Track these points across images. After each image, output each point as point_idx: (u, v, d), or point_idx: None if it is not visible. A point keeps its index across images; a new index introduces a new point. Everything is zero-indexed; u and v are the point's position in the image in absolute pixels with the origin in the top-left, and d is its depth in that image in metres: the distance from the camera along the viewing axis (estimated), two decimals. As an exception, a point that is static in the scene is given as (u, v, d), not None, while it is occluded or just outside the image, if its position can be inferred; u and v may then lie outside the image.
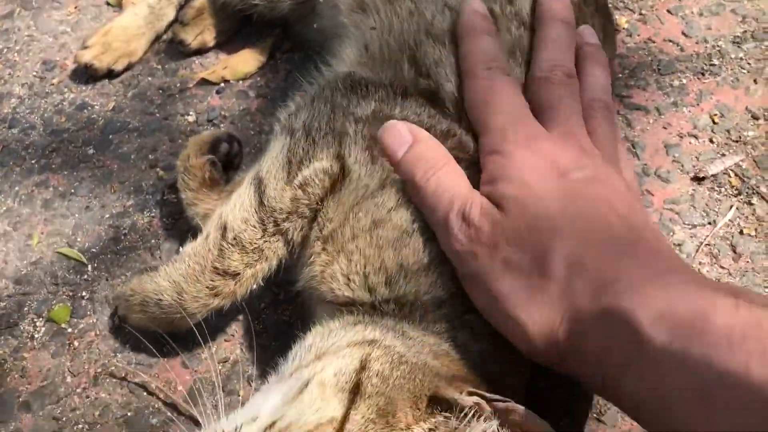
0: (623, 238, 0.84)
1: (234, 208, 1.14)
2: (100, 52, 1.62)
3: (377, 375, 0.86)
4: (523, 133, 0.95)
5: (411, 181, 0.96)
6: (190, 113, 1.59)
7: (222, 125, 1.56)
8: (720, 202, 1.31)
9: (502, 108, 0.97)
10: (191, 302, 1.12)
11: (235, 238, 1.10)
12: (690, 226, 1.28)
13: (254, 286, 1.14)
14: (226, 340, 1.24)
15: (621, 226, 0.85)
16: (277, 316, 1.26)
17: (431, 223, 0.96)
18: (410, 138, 0.97)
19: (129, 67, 1.66)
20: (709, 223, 1.28)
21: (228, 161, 1.38)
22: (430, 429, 0.83)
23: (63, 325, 1.28)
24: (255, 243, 1.10)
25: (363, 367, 0.87)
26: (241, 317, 1.26)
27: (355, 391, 0.85)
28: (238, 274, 1.11)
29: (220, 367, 1.21)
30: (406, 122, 1.02)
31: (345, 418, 0.82)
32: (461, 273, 0.91)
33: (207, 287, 1.11)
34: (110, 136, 1.57)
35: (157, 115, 1.60)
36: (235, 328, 1.25)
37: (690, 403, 0.70)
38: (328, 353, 0.92)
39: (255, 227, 1.10)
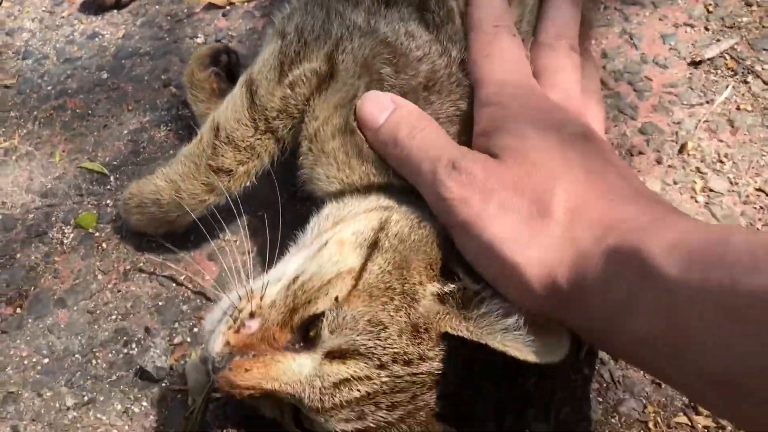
0: (621, 188, 0.82)
1: (226, 110, 1.18)
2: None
3: (395, 235, 0.91)
4: (522, 88, 0.94)
5: (394, 140, 0.94)
6: (199, 36, 1.63)
7: (230, 45, 1.60)
8: (717, 83, 1.35)
9: (503, 64, 0.96)
10: (189, 199, 1.17)
11: (227, 137, 1.15)
12: (688, 106, 1.33)
13: (248, 183, 1.18)
14: (249, 235, 1.28)
15: (617, 178, 0.83)
16: (296, 212, 1.31)
17: (416, 180, 0.94)
18: (392, 105, 0.96)
19: (135, -2, 1.70)
20: (707, 102, 1.33)
21: (230, 72, 1.42)
22: (439, 290, 0.88)
23: (90, 230, 1.33)
24: (247, 141, 1.15)
25: (381, 227, 0.92)
26: (261, 213, 1.31)
27: (373, 247, 0.90)
28: (231, 171, 1.16)
29: (244, 258, 1.26)
30: (388, 93, 1.02)
31: (363, 268, 0.88)
32: (451, 224, 0.87)
33: (203, 183, 1.16)
34: (122, 61, 1.61)
35: (167, 39, 1.64)
36: (257, 224, 1.29)
37: (713, 329, 0.64)
38: (346, 219, 0.97)
39: (247, 126, 1.14)
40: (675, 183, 1.24)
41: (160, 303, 1.22)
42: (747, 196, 1.21)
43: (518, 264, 0.79)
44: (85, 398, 1.12)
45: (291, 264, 0.96)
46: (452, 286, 0.88)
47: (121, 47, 1.63)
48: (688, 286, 0.65)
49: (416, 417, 0.89)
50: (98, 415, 1.11)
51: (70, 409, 1.11)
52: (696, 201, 1.22)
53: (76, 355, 1.17)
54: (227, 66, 1.41)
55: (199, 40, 1.62)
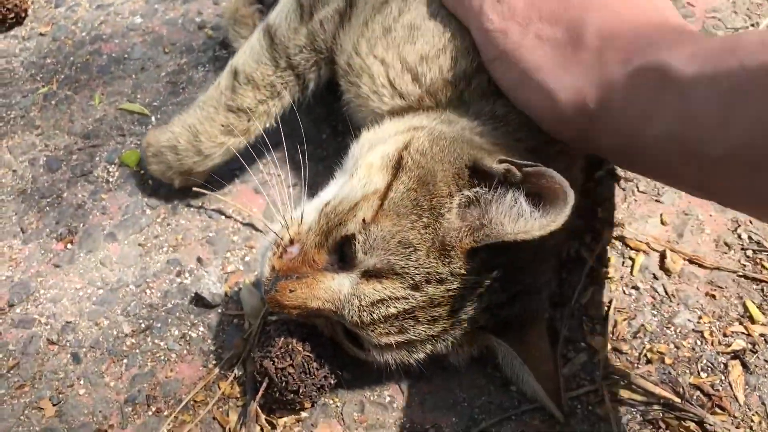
0: (652, 16, 0.85)
1: (244, 54, 1.20)
2: None
3: (417, 150, 0.91)
4: None
5: None
6: (230, -22, 1.62)
7: (263, -14, 1.59)
8: (761, 6, 1.34)
9: None
10: (207, 142, 1.19)
11: (247, 77, 1.17)
12: (733, 29, 1.32)
13: (267, 125, 1.19)
14: (293, 168, 1.29)
15: (651, 8, 0.87)
16: (338, 144, 1.31)
17: (466, 16, 0.97)
18: None
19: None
20: (752, 25, 1.31)
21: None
22: (469, 197, 0.87)
23: (135, 169, 1.33)
24: (267, 78, 1.17)
25: (406, 146, 0.92)
26: (304, 148, 1.31)
27: (397, 167, 0.90)
28: (251, 109, 1.17)
29: (290, 191, 1.26)
30: None
31: (388, 188, 0.89)
32: (492, 56, 0.92)
33: (222, 125, 1.18)
34: (155, 6, 1.61)
35: (199, -18, 1.63)
36: (300, 158, 1.29)
37: (720, 110, 0.70)
38: (378, 143, 0.98)
39: (267, 64, 1.16)
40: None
41: (211, 234, 1.23)
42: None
43: (552, 90, 0.84)
44: (142, 325, 1.14)
45: (328, 191, 0.98)
46: (473, 190, 0.87)
47: (153, -8, 1.63)
48: (701, 81, 0.71)
49: (460, 328, 0.90)
50: (156, 341, 1.12)
51: (128, 336, 1.13)
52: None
53: (130, 286, 1.18)
54: (271, 3, 1.42)
55: (230, -17, 1.61)
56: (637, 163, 0.90)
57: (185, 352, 1.10)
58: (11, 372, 1.10)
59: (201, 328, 1.12)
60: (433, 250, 0.85)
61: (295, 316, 0.92)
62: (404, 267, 0.84)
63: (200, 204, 1.27)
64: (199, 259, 1.19)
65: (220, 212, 1.25)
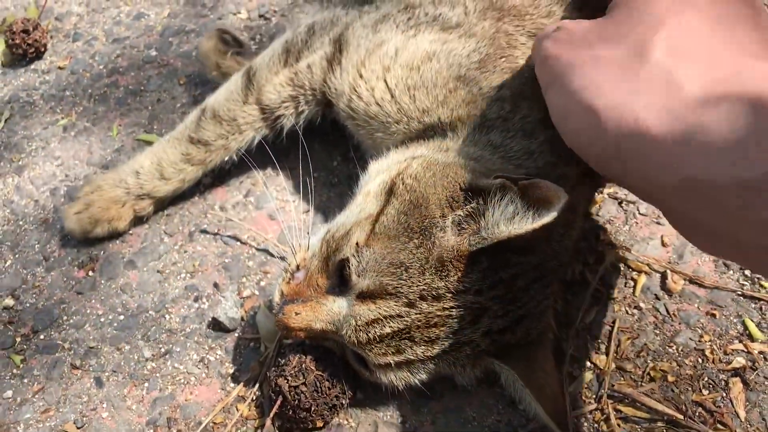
0: (748, 39, 0.75)
1: (219, 93, 1.31)
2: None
3: (410, 176, 0.95)
4: None
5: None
6: (242, 11, 1.69)
7: (273, 18, 1.65)
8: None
9: None
10: (168, 168, 1.28)
11: (213, 112, 1.27)
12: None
13: (226, 158, 1.29)
14: (305, 195, 1.34)
15: (747, 28, 0.76)
16: (349, 170, 1.36)
17: (534, 55, 0.93)
18: None
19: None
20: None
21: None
22: (465, 214, 0.91)
23: (153, 197, 1.38)
24: (231, 112, 1.26)
25: (399, 174, 0.97)
26: (316, 174, 1.36)
27: (390, 193, 0.95)
28: (209, 144, 1.27)
29: (303, 217, 1.31)
30: None
31: (380, 213, 0.93)
32: (544, 84, 0.86)
33: (182, 153, 1.27)
34: (169, 39, 1.66)
35: (211, 16, 1.69)
36: (312, 184, 1.35)
37: None
38: (381, 172, 1.03)
39: (236, 100, 1.26)
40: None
41: (227, 260, 1.27)
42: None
43: (596, 108, 0.74)
44: (162, 350, 1.18)
45: (334, 219, 1.04)
46: (469, 207, 0.91)
47: (167, 26, 1.69)
48: None
49: (460, 352, 0.93)
50: (176, 365, 1.16)
51: (149, 360, 1.17)
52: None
53: (150, 312, 1.23)
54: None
55: (242, 15, 1.67)
56: (684, 218, 0.77)
57: (204, 375, 1.14)
58: (36, 396, 1.14)
59: (219, 352, 1.17)
60: (429, 267, 0.88)
61: (304, 338, 0.98)
62: (396, 287, 0.88)
63: (216, 231, 1.31)
64: (215, 285, 1.24)
65: (236, 238, 1.30)
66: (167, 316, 1.22)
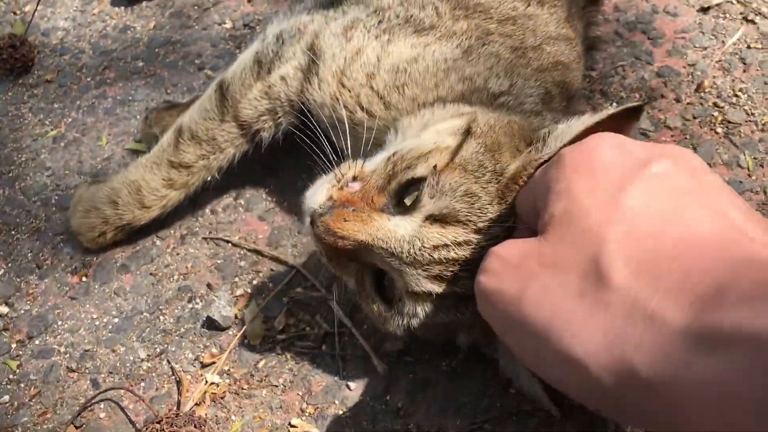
0: (709, 232, 0.62)
1: (192, 111, 1.29)
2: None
3: (484, 123, 0.96)
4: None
5: None
6: (227, 21, 1.72)
7: (257, 27, 1.68)
8: (726, 26, 1.43)
9: None
10: (149, 195, 1.27)
11: (191, 133, 1.26)
12: (701, 48, 1.41)
13: (209, 178, 1.28)
14: (294, 196, 1.36)
15: (705, 216, 0.63)
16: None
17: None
18: None
19: (164, -12, 1.79)
20: (720, 44, 1.41)
21: None
22: (525, 162, 0.90)
23: (144, 203, 1.40)
24: (210, 132, 1.25)
25: (473, 119, 0.97)
26: (305, 175, 1.38)
27: (466, 133, 0.95)
28: (191, 166, 1.26)
29: (293, 217, 1.33)
30: None
31: (458, 147, 0.93)
32: (498, 324, 0.74)
33: (163, 179, 1.26)
34: (156, 50, 1.69)
35: (196, 27, 1.72)
36: (302, 186, 1.36)
37: None
38: (434, 123, 1.02)
39: (213, 119, 1.25)
40: (694, 118, 1.32)
41: (219, 261, 1.29)
42: (764, 124, 1.29)
43: (575, 355, 0.61)
44: (157, 350, 1.19)
45: (398, 144, 1.01)
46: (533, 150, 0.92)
47: (153, 37, 1.71)
48: None
49: None
50: (172, 364, 1.17)
51: (144, 361, 1.18)
52: (716, 132, 1.30)
53: (144, 314, 1.24)
54: None
55: (227, 25, 1.70)
56: None
57: (200, 373, 1.15)
58: (33, 400, 1.15)
59: (213, 350, 1.18)
60: (496, 199, 0.88)
61: (338, 248, 0.89)
62: (467, 215, 0.87)
63: (207, 233, 1.33)
64: (209, 285, 1.25)
65: (227, 240, 1.32)
66: (161, 317, 1.23)
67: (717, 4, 1.44)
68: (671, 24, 1.45)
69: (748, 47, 1.38)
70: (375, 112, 1.11)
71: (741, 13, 1.43)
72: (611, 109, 0.83)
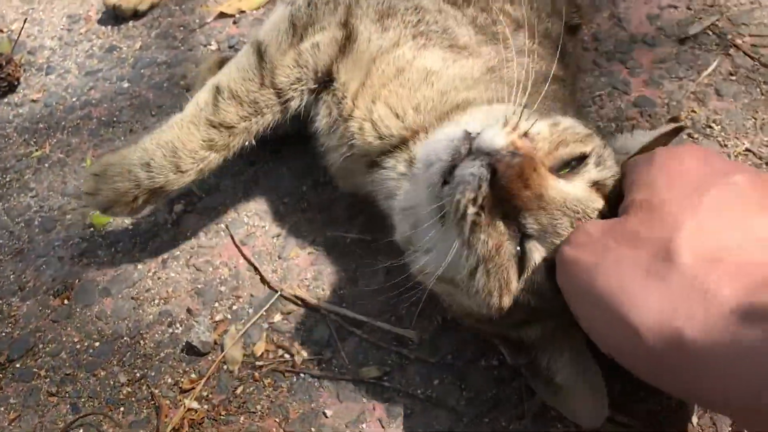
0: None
1: (230, 71, 1.22)
2: (125, -7, 1.77)
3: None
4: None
5: None
6: (212, 43, 1.73)
7: (243, 50, 1.70)
8: (702, 57, 1.46)
9: None
10: (186, 158, 1.18)
11: (231, 93, 1.19)
12: (677, 79, 1.44)
13: (247, 143, 1.22)
14: (275, 220, 1.38)
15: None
16: (318, 196, 1.40)
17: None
18: None
19: (152, 7, 1.81)
20: (696, 74, 1.44)
21: None
22: None
23: (128, 226, 1.41)
24: (252, 95, 1.18)
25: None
26: (286, 200, 1.40)
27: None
28: (233, 126, 1.18)
29: (274, 241, 1.35)
30: None
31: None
32: (568, 288, 0.83)
33: (203, 140, 1.18)
34: (141, 71, 1.71)
35: (182, 48, 1.74)
36: (283, 210, 1.39)
37: None
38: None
39: (253, 80, 1.18)
40: (669, 148, 1.34)
41: (199, 286, 1.30)
42: (736, 156, 1.31)
43: (632, 323, 0.71)
44: (137, 374, 1.21)
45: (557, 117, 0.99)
46: None
47: (139, 58, 1.73)
48: None
49: None
50: (151, 389, 1.19)
51: (124, 385, 1.20)
52: (690, 163, 1.32)
53: (125, 338, 1.26)
54: None
55: (212, 47, 1.72)
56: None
57: (178, 398, 1.17)
58: (13, 424, 1.16)
59: (192, 375, 1.19)
60: None
61: (515, 196, 0.86)
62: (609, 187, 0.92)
63: (188, 257, 1.34)
64: (189, 310, 1.27)
65: (208, 264, 1.33)
66: (142, 342, 1.24)
67: (694, 35, 1.47)
68: (649, 54, 1.47)
69: (723, 79, 1.41)
70: (404, 96, 1.11)
71: (717, 45, 1.46)
72: (663, 128, 1.00)
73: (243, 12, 1.76)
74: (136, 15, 1.79)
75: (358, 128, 1.15)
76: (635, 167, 0.86)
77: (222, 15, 1.77)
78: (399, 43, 1.15)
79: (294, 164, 1.42)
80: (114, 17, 1.80)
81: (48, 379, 1.21)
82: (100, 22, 1.83)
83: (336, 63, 1.17)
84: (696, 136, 1.35)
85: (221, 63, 1.48)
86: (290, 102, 1.20)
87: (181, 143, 1.18)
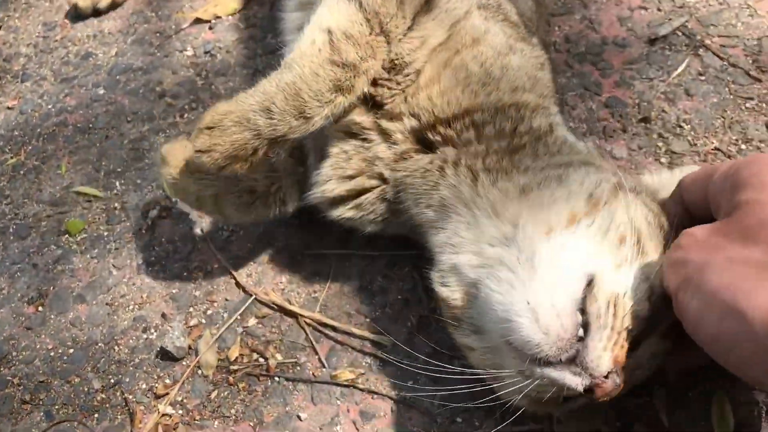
0: None
1: (332, 14, 1.10)
2: (85, -8, 1.78)
3: None
4: None
5: None
6: (188, 49, 1.74)
7: (218, 55, 1.71)
8: (672, 57, 1.48)
9: None
10: (312, 101, 1.05)
11: (345, 34, 1.09)
12: (648, 79, 1.45)
13: (365, 89, 1.11)
14: (250, 225, 1.38)
15: None
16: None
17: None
18: None
19: (114, 6, 1.82)
20: (665, 75, 1.45)
21: None
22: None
23: (103, 232, 1.42)
24: (365, 38, 1.10)
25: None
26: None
27: None
28: (356, 65, 1.07)
29: (248, 245, 1.35)
30: None
31: None
32: (673, 287, 0.83)
33: (330, 80, 1.06)
34: (117, 77, 1.71)
35: (158, 54, 1.74)
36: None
37: None
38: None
39: (362, 25, 1.10)
40: (640, 148, 1.36)
41: (174, 291, 1.31)
42: (706, 155, 1.33)
43: (741, 308, 0.71)
44: (112, 381, 1.21)
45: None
46: None
47: (114, 64, 1.73)
48: None
49: None
50: (126, 395, 1.19)
51: (98, 392, 1.20)
52: (660, 162, 1.34)
53: (99, 344, 1.26)
54: None
55: (188, 53, 1.72)
56: None
57: (153, 404, 1.17)
58: (-14, 432, 1.16)
59: (167, 381, 1.20)
60: None
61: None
62: None
63: (163, 263, 1.35)
64: (163, 315, 1.27)
65: (183, 269, 1.33)
66: (116, 348, 1.25)
67: (663, 36, 1.49)
68: (620, 55, 1.49)
69: (693, 79, 1.42)
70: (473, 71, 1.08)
71: (686, 45, 1.48)
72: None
73: (219, 17, 1.77)
74: (98, 13, 1.80)
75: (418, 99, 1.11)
76: (734, 173, 0.84)
77: (198, 21, 1.77)
78: (470, 11, 1.14)
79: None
80: (83, 20, 1.82)
81: (22, 387, 1.21)
82: (76, 29, 1.82)
83: (421, 13, 1.13)
84: (666, 135, 1.36)
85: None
86: (392, 47, 1.12)
87: (305, 84, 1.05)
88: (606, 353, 0.83)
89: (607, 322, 0.84)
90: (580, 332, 0.84)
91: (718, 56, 1.45)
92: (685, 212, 0.95)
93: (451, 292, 0.99)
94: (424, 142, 1.11)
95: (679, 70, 1.44)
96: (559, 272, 0.87)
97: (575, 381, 0.83)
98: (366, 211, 1.17)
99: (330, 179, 1.16)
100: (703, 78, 1.43)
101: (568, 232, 0.91)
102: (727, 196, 0.83)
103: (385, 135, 1.13)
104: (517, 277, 0.89)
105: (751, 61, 1.44)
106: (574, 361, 0.84)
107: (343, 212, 1.17)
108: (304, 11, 1.28)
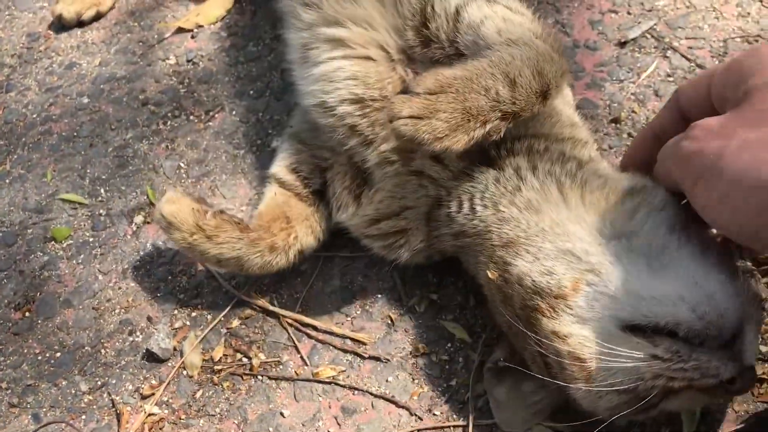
0: None
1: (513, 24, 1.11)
2: (69, 3, 1.81)
3: None
4: None
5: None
6: (171, 57, 1.77)
7: (200, 63, 1.74)
8: (641, 59, 1.53)
9: None
10: (552, 82, 1.00)
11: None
12: (618, 81, 1.50)
13: None
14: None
15: None
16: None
17: (661, 158, 0.95)
18: None
19: (98, 17, 1.85)
20: (635, 76, 1.50)
21: None
22: None
23: (88, 238, 1.44)
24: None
25: None
26: (244, 208, 1.43)
27: None
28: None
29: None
30: None
31: None
32: (690, 182, 0.83)
33: (558, 68, 1.03)
34: (101, 86, 1.73)
35: (141, 63, 1.77)
36: (241, 217, 1.42)
37: None
38: None
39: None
40: (610, 148, 1.40)
41: (159, 294, 1.34)
42: (674, 154, 1.37)
43: (765, 183, 0.72)
44: (98, 383, 1.23)
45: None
46: None
47: (98, 74, 1.76)
48: None
49: None
50: (112, 396, 1.21)
51: (85, 394, 1.22)
52: (630, 162, 1.38)
53: (86, 347, 1.28)
54: None
55: (171, 61, 1.75)
56: None
57: (139, 404, 1.20)
58: (-25, 436, 1.18)
59: (153, 381, 1.22)
60: None
61: None
62: None
63: (148, 267, 1.38)
64: (149, 318, 1.30)
65: (167, 272, 1.36)
66: (103, 351, 1.27)
67: (633, 39, 1.53)
68: (591, 58, 1.53)
69: (662, 80, 1.47)
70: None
71: (655, 48, 1.52)
72: None
73: (201, 26, 1.80)
74: (81, 24, 1.82)
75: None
76: (738, 67, 0.84)
77: (180, 30, 1.80)
78: None
79: (251, 174, 1.46)
80: (66, 30, 1.85)
81: (9, 391, 1.23)
82: (60, 39, 1.85)
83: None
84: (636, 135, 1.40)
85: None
86: None
87: (547, 64, 0.99)
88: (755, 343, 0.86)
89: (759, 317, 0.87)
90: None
91: (685, 58, 1.49)
92: (680, 120, 0.96)
93: (556, 280, 0.93)
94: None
95: (649, 71, 1.48)
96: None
97: (722, 368, 0.84)
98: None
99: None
100: (671, 79, 1.47)
101: None
102: (733, 88, 0.83)
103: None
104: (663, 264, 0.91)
105: (717, 62, 1.48)
106: (729, 346, 0.85)
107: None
108: (311, 30, 1.27)
